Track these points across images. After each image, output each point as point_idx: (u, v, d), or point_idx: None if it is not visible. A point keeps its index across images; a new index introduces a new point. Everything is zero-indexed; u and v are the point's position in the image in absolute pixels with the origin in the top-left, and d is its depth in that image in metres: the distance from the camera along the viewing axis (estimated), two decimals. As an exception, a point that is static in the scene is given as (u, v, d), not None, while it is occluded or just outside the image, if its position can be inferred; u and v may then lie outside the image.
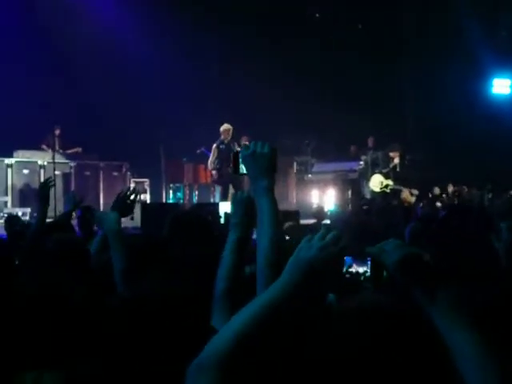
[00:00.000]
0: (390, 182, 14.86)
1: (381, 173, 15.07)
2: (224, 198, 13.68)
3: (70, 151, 14.91)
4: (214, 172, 14.12)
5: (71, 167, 14.73)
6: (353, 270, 2.05)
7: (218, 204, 12.91)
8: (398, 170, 15.22)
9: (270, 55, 17.33)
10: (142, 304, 1.96)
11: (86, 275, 3.26)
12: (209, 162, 14.22)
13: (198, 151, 15.58)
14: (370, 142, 15.92)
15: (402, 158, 15.24)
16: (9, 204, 13.40)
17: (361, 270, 2.01)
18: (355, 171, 15.70)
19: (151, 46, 16.57)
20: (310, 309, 2.22)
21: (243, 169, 2.39)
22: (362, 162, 15.62)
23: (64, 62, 15.96)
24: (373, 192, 15.01)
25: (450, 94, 17.12)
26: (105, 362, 1.87)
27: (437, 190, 15.13)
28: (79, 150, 15.09)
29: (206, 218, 5.15)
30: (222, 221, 10.96)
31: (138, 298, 2.01)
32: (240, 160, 2.40)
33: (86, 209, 6.09)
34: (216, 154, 13.93)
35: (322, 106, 17.26)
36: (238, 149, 13.73)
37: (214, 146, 13.96)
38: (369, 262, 1.96)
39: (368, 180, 15.23)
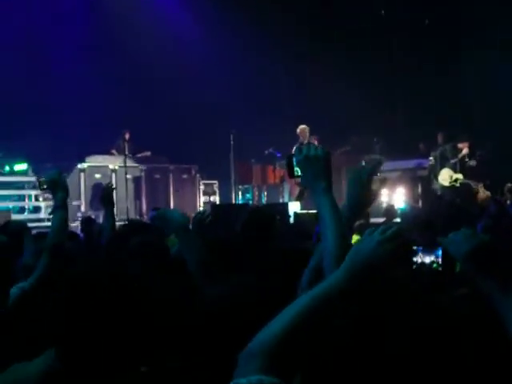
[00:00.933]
0: (460, 176, 14.58)
1: (450, 167, 14.81)
2: (299, 197, 13.86)
3: (139, 155, 15.17)
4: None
5: (142, 170, 14.98)
6: (418, 259, 2.02)
7: (287, 204, 12.97)
8: (466, 160, 14.92)
9: (339, 54, 17.23)
10: (239, 297, 1.99)
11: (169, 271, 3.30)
12: None
13: (267, 152, 15.61)
14: (440, 138, 15.62)
15: (471, 148, 14.93)
16: (82, 207, 13.70)
17: (427, 259, 1.98)
18: (424, 168, 15.49)
19: (219, 47, 16.72)
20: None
21: (298, 172, 2.43)
22: (431, 158, 15.37)
23: (131, 66, 16.22)
24: (442, 187, 14.76)
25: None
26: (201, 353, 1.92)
27: (508, 186, 14.69)
28: (148, 153, 15.35)
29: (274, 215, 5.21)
30: (292, 220, 11.09)
31: (234, 291, 2.05)
32: (294, 163, 2.44)
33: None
34: None
35: (389, 104, 17.12)
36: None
37: (295, 147, 13.92)
38: (439, 253, 1.93)
39: (437, 175, 14.98)
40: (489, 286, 1.73)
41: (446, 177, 14.70)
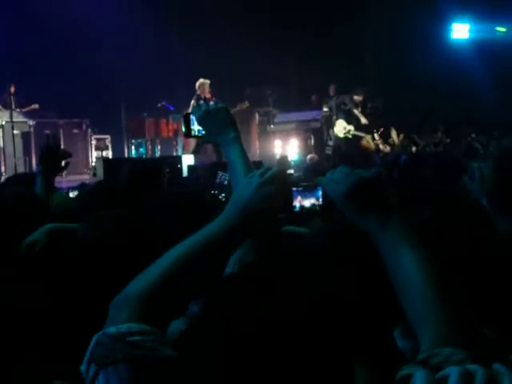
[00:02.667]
0: (352, 128, 14.83)
1: (343, 118, 15.02)
2: (195, 151, 13.67)
3: (27, 109, 14.62)
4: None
5: (30, 126, 14.49)
6: (296, 204, 2.00)
7: (180, 157, 12.87)
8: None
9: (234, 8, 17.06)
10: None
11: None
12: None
13: (159, 105, 15.43)
14: (332, 90, 15.85)
15: (364, 101, 15.21)
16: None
17: (307, 203, 1.95)
18: (317, 120, 15.68)
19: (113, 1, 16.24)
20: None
21: (195, 131, 2.42)
22: (325, 109, 15.56)
23: (17, 14, 15.57)
24: (337, 137, 14.98)
25: (409, 40, 17.06)
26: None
27: (394, 134, 15.02)
28: (36, 106, 14.76)
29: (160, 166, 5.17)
30: (185, 173, 11.02)
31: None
32: (192, 122, 2.42)
33: None
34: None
35: (283, 55, 17.15)
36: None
37: (193, 101, 13.72)
38: (319, 193, 1.90)
39: (333, 125, 15.17)
40: (366, 225, 1.68)
41: (340, 128, 14.93)
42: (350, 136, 14.76)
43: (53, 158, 3.85)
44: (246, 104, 14.72)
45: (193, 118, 2.44)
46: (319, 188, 1.92)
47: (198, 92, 13.93)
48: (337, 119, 15.20)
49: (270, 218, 1.69)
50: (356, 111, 14.98)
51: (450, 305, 1.51)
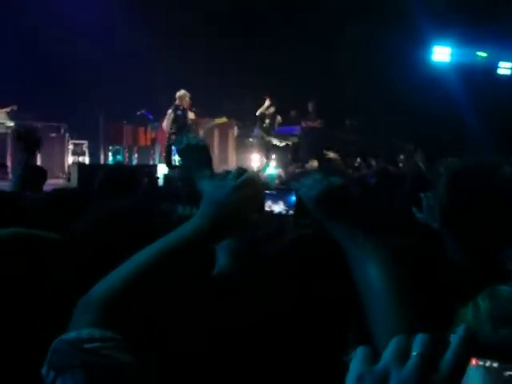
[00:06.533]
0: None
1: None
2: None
3: (4, 110, 14.52)
4: (173, 136, 13.64)
5: (8, 127, 14.41)
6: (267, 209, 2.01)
7: (156, 166, 12.84)
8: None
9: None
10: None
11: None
12: (164, 124, 13.88)
13: (139, 113, 15.41)
14: (310, 106, 15.98)
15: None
16: None
17: (276, 209, 1.96)
18: (296, 135, 15.73)
19: (98, 5, 16.21)
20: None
21: (175, 161, 2.47)
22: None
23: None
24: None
25: (389, 60, 17.19)
26: None
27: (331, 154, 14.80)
28: (14, 107, 14.68)
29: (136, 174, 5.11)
30: (161, 182, 10.98)
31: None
32: (173, 153, 2.47)
33: None
34: (172, 119, 13.64)
35: (270, 69, 17.24)
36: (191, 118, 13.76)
37: (170, 111, 13.66)
38: (293, 199, 1.92)
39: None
40: (336, 232, 1.73)
41: None
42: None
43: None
44: (224, 119, 14.73)
45: (173, 148, 2.49)
46: (292, 193, 1.93)
47: (177, 102, 13.87)
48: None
49: (243, 221, 1.69)
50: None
51: (407, 313, 1.56)
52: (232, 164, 15.92)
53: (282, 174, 12.35)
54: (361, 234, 1.71)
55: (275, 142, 14.87)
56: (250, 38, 17.17)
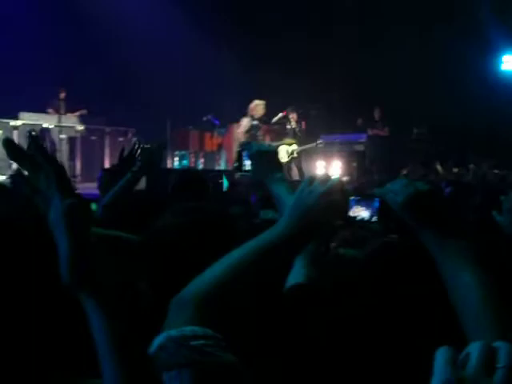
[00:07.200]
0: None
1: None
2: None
3: (76, 113, 14.83)
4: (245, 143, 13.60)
5: (77, 131, 14.71)
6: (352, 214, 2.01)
7: (222, 171, 12.93)
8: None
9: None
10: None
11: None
12: (238, 131, 14.17)
13: (205, 119, 15.50)
14: (376, 114, 15.92)
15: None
16: (14, 165, 13.31)
17: (359, 215, 1.96)
18: (361, 143, 15.63)
19: (165, 13, 16.44)
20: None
21: (246, 166, 2.53)
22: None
23: (73, 22, 15.88)
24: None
25: (457, 71, 16.94)
26: None
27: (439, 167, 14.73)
28: (84, 111, 14.98)
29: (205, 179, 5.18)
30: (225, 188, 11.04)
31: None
32: (243, 158, 2.53)
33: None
34: (246, 129, 13.89)
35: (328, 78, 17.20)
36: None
37: (245, 122, 13.89)
38: (376, 204, 1.92)
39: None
40: (425, 238, 1.73)
41: (283, 154, 14.67)
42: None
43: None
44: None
45: (244, 154, 2.55)
46: (376, 199, 1.93)
47: (252, 113, 13.99)
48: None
49: (328, 226, 1.71)
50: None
51: (504, 322, 1.54)
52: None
53: (347, 181, 12.30)
54: (452, 240, 1.70)
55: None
56: (314, 45, 17.16)
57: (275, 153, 2.49)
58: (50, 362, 1.58)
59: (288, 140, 14.58)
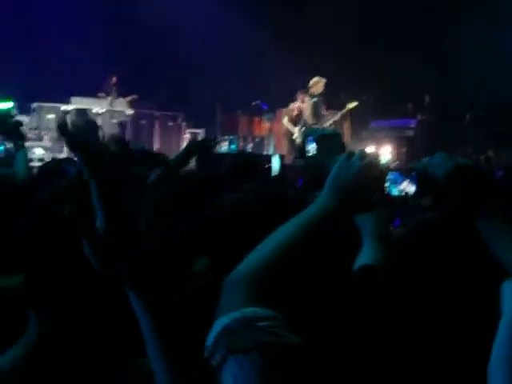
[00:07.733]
0: None
1: None
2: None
3: (127, 98, 14.97)
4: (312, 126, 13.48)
5: (127, 116, 14.86)
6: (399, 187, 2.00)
7: (270, 156, 12.90)
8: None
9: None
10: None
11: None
12: (305, 114, 13.80)
13: (254, 104, 15.50)
14: (427, 99, 15.76)
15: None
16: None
17: (397, 189, 1.94)
18: (411, 128, 15.51)
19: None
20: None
21: (309, 151, 2.52)
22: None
23: (121, 9, 16.02)
24: None
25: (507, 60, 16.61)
26: None
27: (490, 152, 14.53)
28: (135, 96, 15.11)
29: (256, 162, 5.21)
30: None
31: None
32: (308, 142, 2.52)
33: None
34: (312, 110, 13.68)
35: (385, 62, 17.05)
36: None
37: (306, 97, 13.66)
38: (413, 179, 1.90)
39: None
40: (470, 207, 1.72)
41: None
42: None
43: None
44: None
45: (309, 138, 2.54)
46: (413, 174, 1.92)
47: (312, 90, 13.76)
48: None
49: (367, 201, 1.71)
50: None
51: None
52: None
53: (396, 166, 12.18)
54: (500, 218, 1.67)
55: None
56: (365, 32, 17.01)
57: (339, 135, 2.51)
58: (100, 345, 1.56)
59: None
